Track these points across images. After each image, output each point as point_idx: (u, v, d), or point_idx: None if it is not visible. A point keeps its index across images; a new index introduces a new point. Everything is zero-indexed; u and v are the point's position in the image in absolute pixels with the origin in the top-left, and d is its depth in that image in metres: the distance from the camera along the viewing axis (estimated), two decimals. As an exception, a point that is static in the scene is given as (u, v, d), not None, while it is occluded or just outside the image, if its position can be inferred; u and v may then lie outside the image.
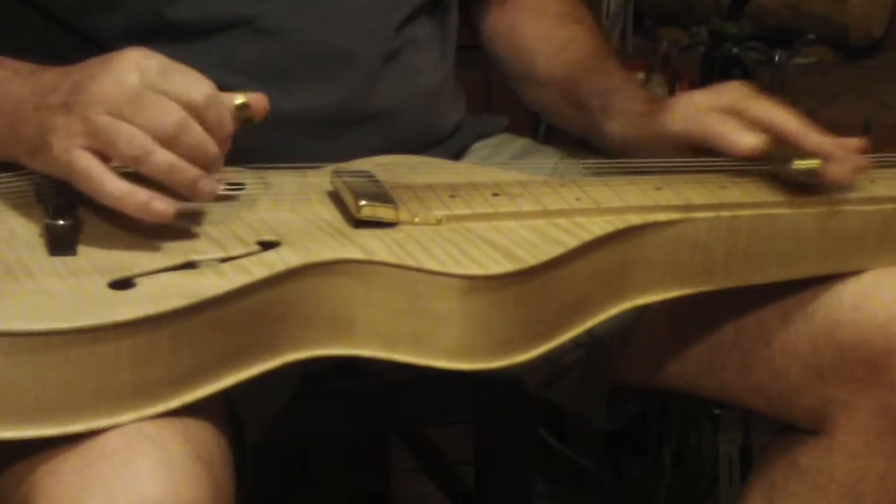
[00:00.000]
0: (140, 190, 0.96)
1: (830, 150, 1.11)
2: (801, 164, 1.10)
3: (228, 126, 0.99)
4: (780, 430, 1.19)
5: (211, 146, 0.98)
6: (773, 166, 1.13)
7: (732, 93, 1.16)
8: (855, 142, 1.14)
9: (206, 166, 0.98)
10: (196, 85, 0.98)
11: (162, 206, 0.96)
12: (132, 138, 0.95)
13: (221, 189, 1.02)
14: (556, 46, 1.34)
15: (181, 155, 0.96)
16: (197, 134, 0.97)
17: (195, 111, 0.97)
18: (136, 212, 0.96)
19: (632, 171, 1.15)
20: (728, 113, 1.14)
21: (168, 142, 0.96)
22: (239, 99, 1.01)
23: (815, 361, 1.13)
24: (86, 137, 0.96)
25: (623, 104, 1.24)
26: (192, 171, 0.97)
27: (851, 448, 1.13)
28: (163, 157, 0.96)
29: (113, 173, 0.96)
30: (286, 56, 1.20)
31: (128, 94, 0.96)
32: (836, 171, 1.10)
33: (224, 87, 1.05)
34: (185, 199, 0.98)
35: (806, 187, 1.11)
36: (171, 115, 0.96)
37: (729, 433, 1.76)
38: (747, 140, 1.12)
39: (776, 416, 1.18)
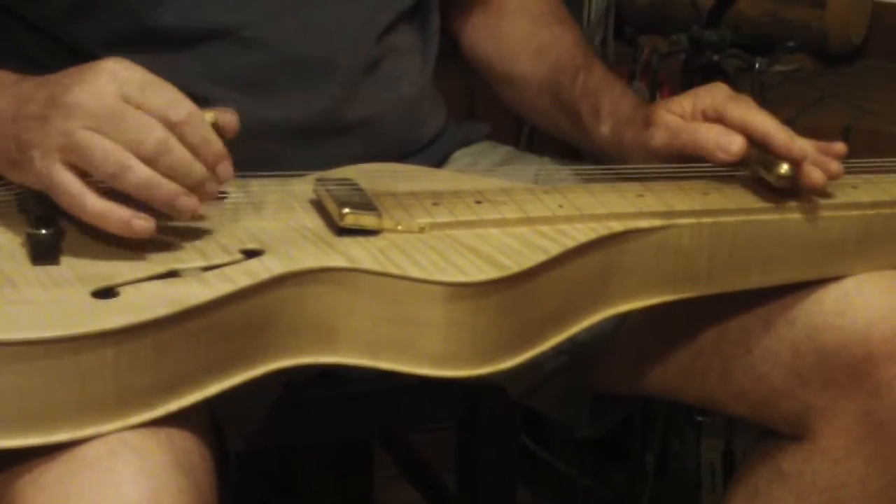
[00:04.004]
0: (119, 208, 0.96)
1: (800, 155, 1.10)
2: (772, 168, 1.09)
3: (215, 143, 0.98)
4: (761, 436, 1.19)
5: (196, 167, 0.97)
6: (751, 171, 1.13)
7: (711, 96, 1.16)
8: (835, 146, 1.13)
9: (193, 186, 0.97)
10: (176, 103, 0.97)
11: (142, 223, 0.96)
12: (109, 154, 0.94)
13: (203, 207, 1.01)
14: (537, 46, 1.34)
15: (162, 173, 0.96)
16: (179, 153, 0.96)
17: (175, 128, 0.96)
18: (117, 229, 0.96)
19: (614, 177, 1.15)
20: (708, 118, 1.14)
21: (148, 160, 0.95)
22: (207, 116, 1.00)
23: (797, 367, 1.13)
24: (64, 153, 0.95)
25: (611, 106, 1.23)
26: (169, 188, 0.96)
27: (833, 453, 1.13)
28: (140, 174, 0.95)
29: (92, 190, 0.96)
30: (268, 66, 1.19)
31: (106, 107, 0.95)
32: (806, 176, 1.09)
33: (205, 97, 1.05)
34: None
35: (788, 191, 1.11)
36: (151, 133, 0.95)
37: (711, 440, 1.76)
38: (728, 147, 1.12)
39: (758, 422, 1.18)
